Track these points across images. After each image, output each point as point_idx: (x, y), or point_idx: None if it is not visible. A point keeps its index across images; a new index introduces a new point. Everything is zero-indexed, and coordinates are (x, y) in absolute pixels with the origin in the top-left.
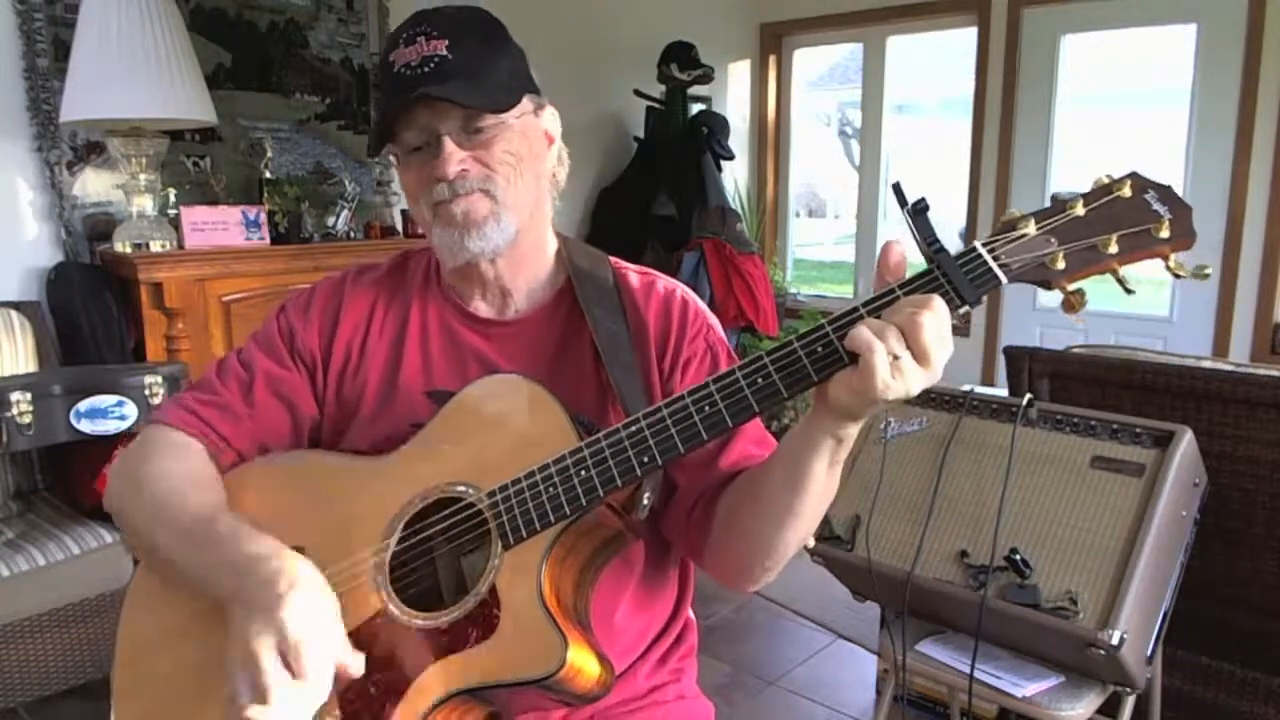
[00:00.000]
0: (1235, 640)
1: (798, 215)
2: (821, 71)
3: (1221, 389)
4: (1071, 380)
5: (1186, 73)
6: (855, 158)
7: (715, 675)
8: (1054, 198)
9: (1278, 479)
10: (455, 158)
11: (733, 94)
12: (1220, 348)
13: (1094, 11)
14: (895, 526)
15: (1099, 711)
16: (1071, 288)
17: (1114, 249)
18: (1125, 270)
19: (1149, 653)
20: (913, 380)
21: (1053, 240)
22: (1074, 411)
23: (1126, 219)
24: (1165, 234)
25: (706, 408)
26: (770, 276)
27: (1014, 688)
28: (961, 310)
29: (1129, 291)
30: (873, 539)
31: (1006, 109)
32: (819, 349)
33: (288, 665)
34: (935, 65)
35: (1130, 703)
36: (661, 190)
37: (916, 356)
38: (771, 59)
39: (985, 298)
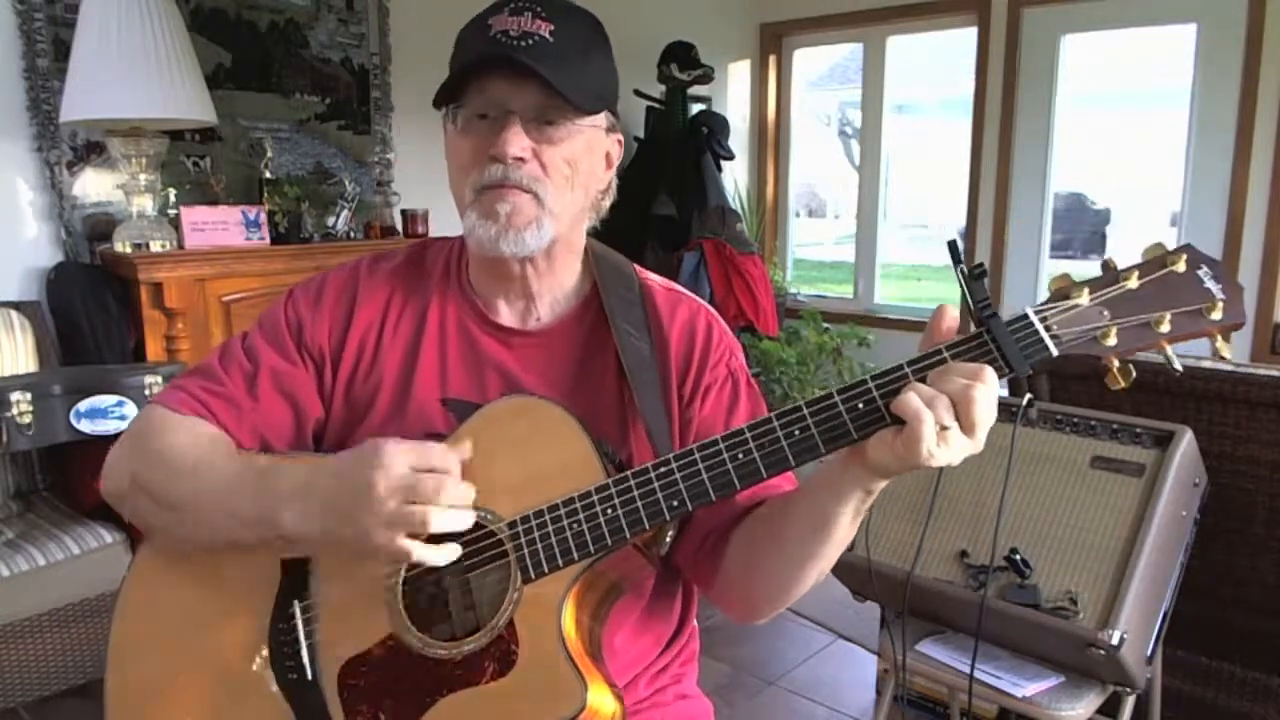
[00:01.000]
0: (1235, 640)
1: (798, 215)
2: (821, 71)
3: (1221, 389)
4: (1071, 380)
5: (1186, 73)
6: (855, 158)
7: (715, 675)
8: (1105, 265)
9: (1278, 479)
10: (519, 141)
11: (733, 94)
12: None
13: (1094, 11)
14: (895, 526)
15: (1099, 711)
16: (1118, 364)
17: (1166, 328)
18: (1173, 348)
19: (1149, 653)
20: (957, 450)
21: (1105, 313)
22: (1074, 411)
23: (1180, 296)
24: (1217, 315)
25: (740, 455)
26: (770, 276)
27: (1014, 688)
28: (1007, 377)
29: (1175, 371)
30: (873, 539)
31: (1006, 109)
32: (860, 405)
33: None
34: (935, 65)
35: (1130, 703)
36: (661, 190)
37: (964, 428)
38: (771, 59)
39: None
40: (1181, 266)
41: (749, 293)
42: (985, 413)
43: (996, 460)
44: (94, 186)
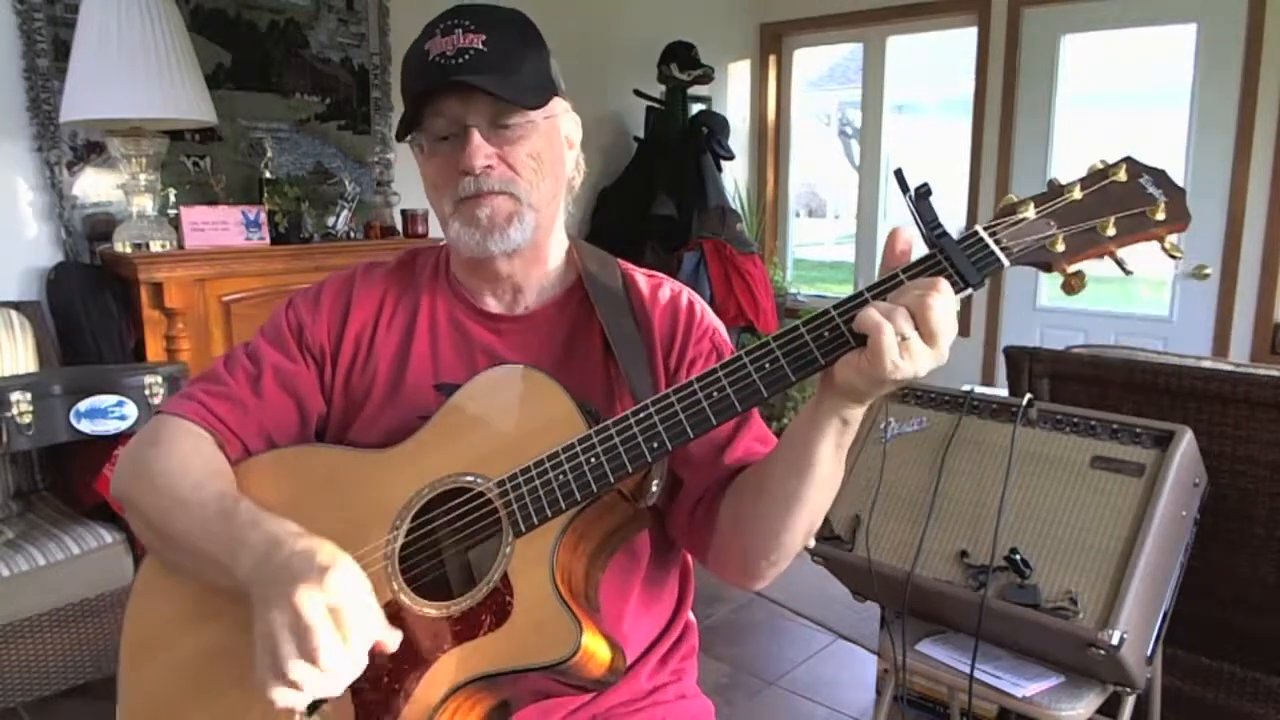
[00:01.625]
0: (1235, 640)
1: (798, 215)
2: (821, 71)
3: (1221, 389)
4: (1071, 380)
5: (1186, 73)
6: (855, 158)
7: (715, 675)
8: (1051, 183)
9: (1278, 479)
10: (482, 151)
11: (733, 94)
12: (1220, 348)
13: (1094, 11)
14: (895, 526)
15: (1099, 711)
16: (1072, 269)
17: (1111, 231)
18: (1122, 252)
19: (1149, 653)
20: (920, 360)
21: (1052, 223)
22: (1074, 411)
23: (1123, 202)
24: (1160, 216)
25: (715, 393)
26: (770, 276)
27: (1014, 688)
28: (964, 293)
29: (1127, 272)
30: (873, 539)
31: (1006, 109)
32: (825, 333)
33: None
34: (935, 65)
35: (1130, 703)
36: (661, 190)
37: (924, 337)
38: (771, 59)
39: (987, 283)
40: (1122, 176)
41: (749, 293)
42: (942, 318)
43: (996, 460)
44: (94, 186)
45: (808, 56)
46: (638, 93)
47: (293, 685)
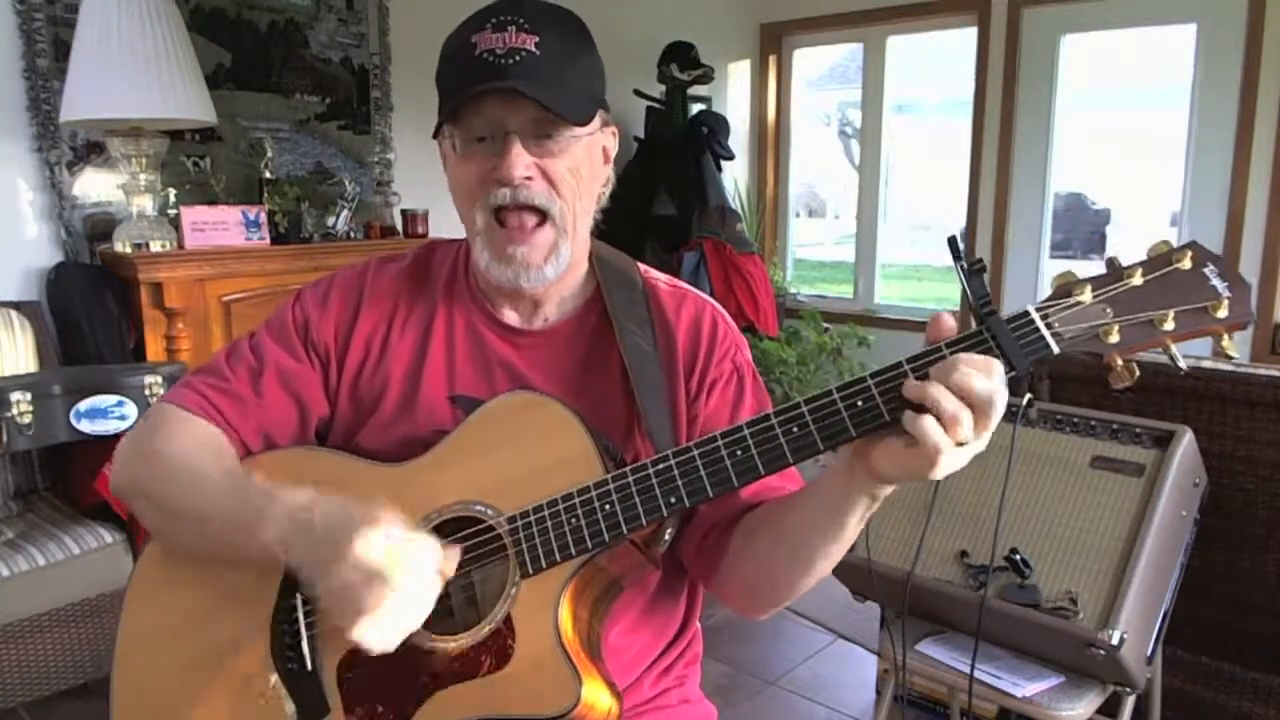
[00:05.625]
0: (1235, 640)
1: (798, 215)
2: (821, 71)
3: (1221, 389)
4: (1071, 380)
5: (1186, 73)
6: (855, 158)
7: (715, 676)
8: (1110, 262)
9: (1278, 479)
10: (523, 161)
11: (733, 94)
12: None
13: (1094, 11)
14: (895, 526)
15: (1099, 711)
16: (1122, 362)
17: (1170, 325)
18: (1177, 346)
19: (1149, 653)
20: (969, 450)
21: (1108, 310)
22: (1074, 411)
23: (1185, 294)
24: (1223, 314)
25: (739, 452)
26: (770, 276)
27: (1014, 688)
28: (1008, 375)
29: (1179, 369)
30: (873, 539)
31: (1006, 109)
32: (859, 403)
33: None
34: (935, 65)
35: (1130, 703)
36: (661, 190)
37: (976, 425)
38: (771, 59)
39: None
40: (1187, 264)
41: (749, 293)
42: (995, 403)
43: (996, 460)
44: (94, 186)
45: (808, 56)
46: (638, 93)
47: (387, 626)
